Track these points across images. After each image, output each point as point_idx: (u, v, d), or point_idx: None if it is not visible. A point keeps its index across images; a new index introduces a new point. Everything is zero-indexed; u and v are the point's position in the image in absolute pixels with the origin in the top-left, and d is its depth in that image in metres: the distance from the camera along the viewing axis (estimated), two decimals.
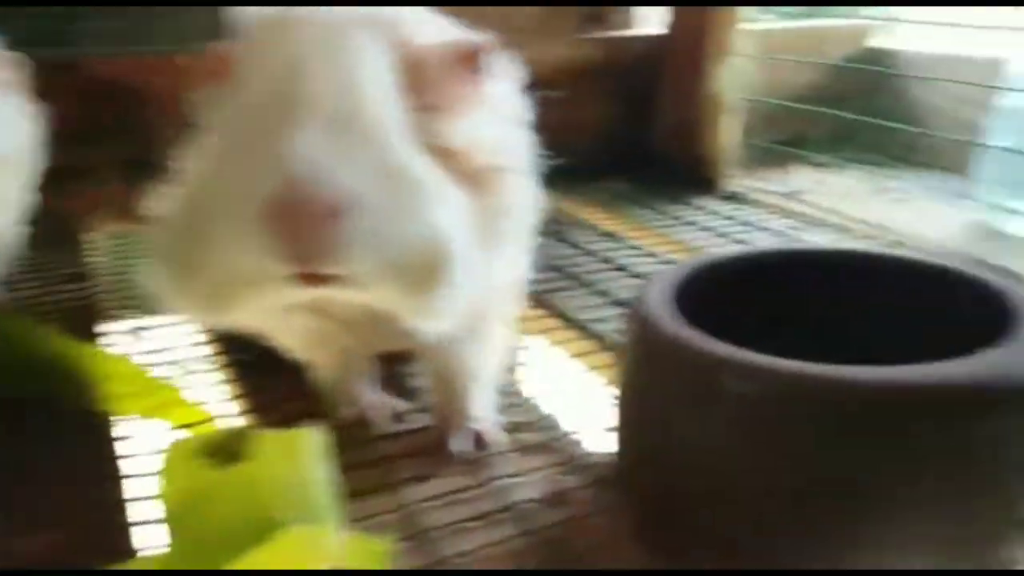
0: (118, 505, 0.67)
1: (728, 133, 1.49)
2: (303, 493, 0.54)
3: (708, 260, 0.67)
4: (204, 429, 0.77)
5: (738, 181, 1.51)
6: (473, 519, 0.64)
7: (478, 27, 0.96)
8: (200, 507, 0.51)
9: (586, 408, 0.79)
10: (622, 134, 1.62)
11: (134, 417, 0.80)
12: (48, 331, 0.84)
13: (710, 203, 1.44)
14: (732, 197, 1.47)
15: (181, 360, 0.91)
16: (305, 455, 0.56)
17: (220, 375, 0.89)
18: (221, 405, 0.82)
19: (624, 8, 1.67)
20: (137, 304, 1.02)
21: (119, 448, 0.75)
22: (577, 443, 0.74)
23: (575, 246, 1.23)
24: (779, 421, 0.50)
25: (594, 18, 1.64)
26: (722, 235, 1.28)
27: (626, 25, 1.68)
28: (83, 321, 1.00)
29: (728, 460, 0.51)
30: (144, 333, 0.98)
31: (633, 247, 1.23)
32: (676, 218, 1.37)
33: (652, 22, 1.65)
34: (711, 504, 0.53)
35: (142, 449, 0.74)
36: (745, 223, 1.33)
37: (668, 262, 1.17)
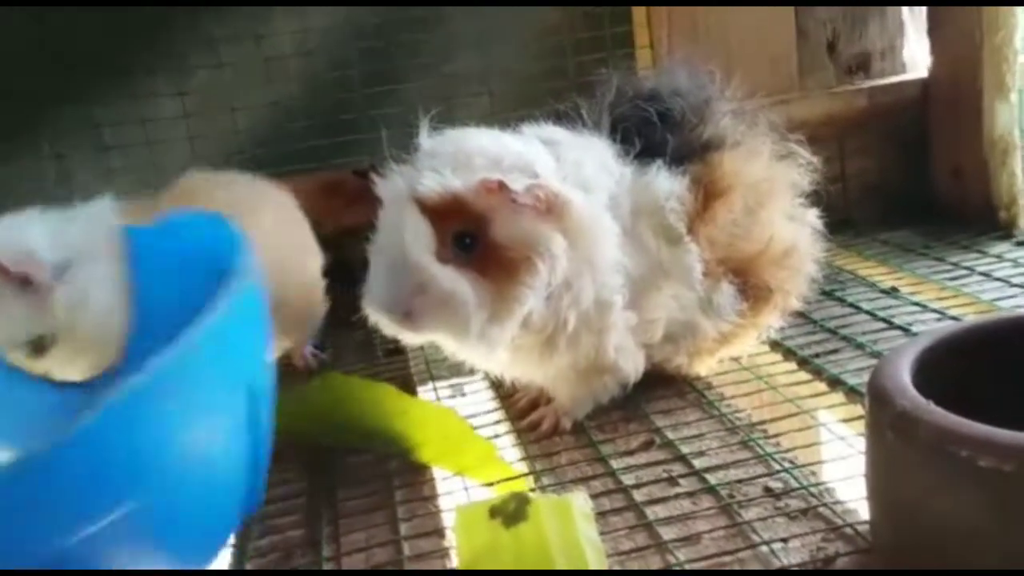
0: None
1: (1016, 174, 1.38)
2: (577, 551, 0.62)
3: (952, 329, 0.66)
4: (510, 487, 0.85)
5: None
6: None
7: (735, 90, 1.01)
8: (491, 561, 0.61)
9: (854, 474, 0.79)
10: (898, 183, 1.56)
11: (450, 473, 0.90)
12: (376, 386, 0.97)
13: (1004, 250, 1.34)
14: None
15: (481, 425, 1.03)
16: (577, 518, 0.65)
17: (510, 439, 1.00)
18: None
19: (889, 55, 1.62)
20: (446, 375, 1.17)
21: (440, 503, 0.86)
22: (844, 509, 0.75)
23: (851, 305, 1.21)
24: None
25: (856, 68, 1.61)
26: (1018, 286, 1.19)
27: (892, 72, 1.62)
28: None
29: (980, 538, 0.51)
30: (455, 398, 1.12)
31: (916, 304, 1.18)
32: (966, 269, 1.29)
33: (920, 66, 1.59)
34: None
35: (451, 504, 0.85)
36: None
37: (955, 319, 1.11)
